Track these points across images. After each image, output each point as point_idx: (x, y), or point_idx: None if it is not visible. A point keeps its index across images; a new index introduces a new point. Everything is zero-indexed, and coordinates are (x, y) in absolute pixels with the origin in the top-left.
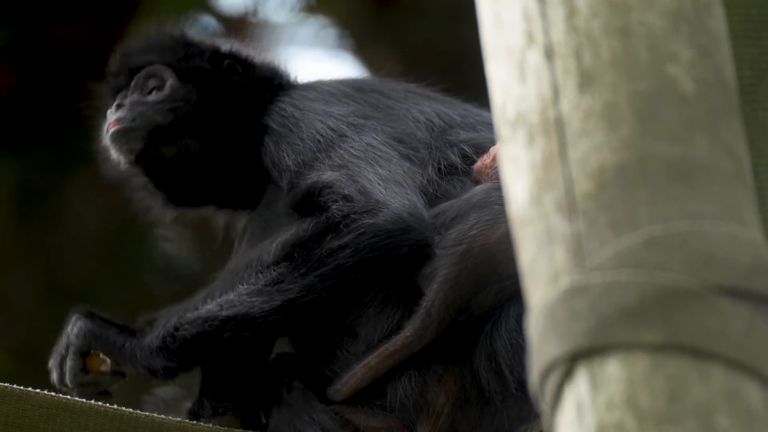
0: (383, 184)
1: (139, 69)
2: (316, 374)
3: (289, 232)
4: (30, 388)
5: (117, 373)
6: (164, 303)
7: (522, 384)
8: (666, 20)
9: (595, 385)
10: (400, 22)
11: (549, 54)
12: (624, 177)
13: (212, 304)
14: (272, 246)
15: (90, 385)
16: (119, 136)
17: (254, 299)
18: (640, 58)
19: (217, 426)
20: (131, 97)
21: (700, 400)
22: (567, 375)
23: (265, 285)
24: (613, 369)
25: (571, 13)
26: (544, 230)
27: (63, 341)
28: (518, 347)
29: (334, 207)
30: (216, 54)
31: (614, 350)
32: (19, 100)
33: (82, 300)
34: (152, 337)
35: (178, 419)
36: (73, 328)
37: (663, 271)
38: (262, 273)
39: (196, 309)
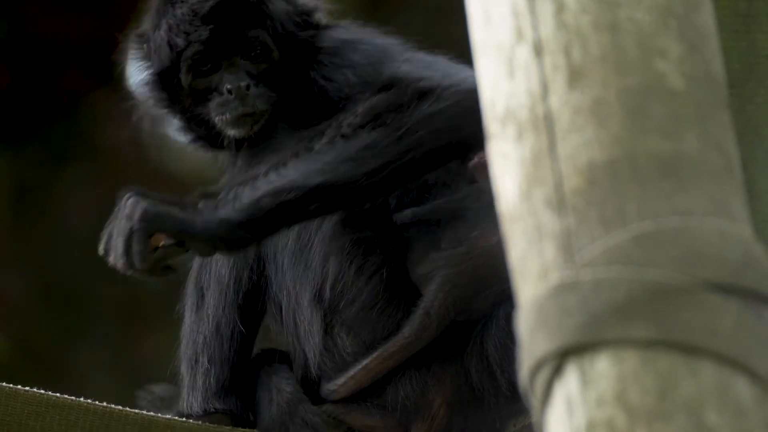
0: (457, 69)
1: (240, 31)
2: (308, 375)
3: (373, 99)
4: (19, 386)
5: (179, 245)
6: (157, 299)
7: (513, 384)
8: (654, 16)
9: (585, 381)
10: (391, 19)
11: (538, 50)
12: (613, 173)
13: (291, 174)
14: (351, 116)
15: (159, 261)
16: (247, 120)
17: (344, 165)
18: (629, 53)
19: (207, 424)
20: (243, 68)
21: (690, 395)
22: (557, 371)
23: (358, 150)
24: (603, 365)
25: (559, 9)
26: (534, 226)
27: (124, 225)
28: (509, 348)
29: (421, 82)
30: (295, 12)
31: (604, 346)
32: (11, 96)
33: (75, 295)
34: (229, 211)
35: (168, 417)
36: (134, 211)
37: (653, 268)
38: (348, 140)
39: (271, 183)
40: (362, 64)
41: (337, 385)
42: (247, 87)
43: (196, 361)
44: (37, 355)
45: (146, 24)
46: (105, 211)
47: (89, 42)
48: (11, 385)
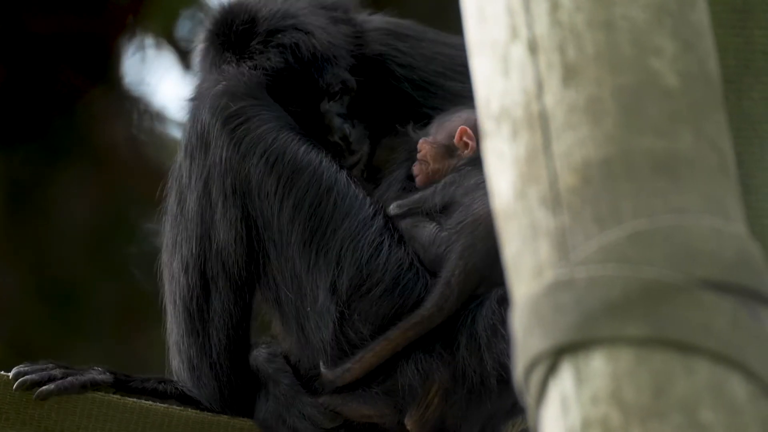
0: None
1: (315, 83)
2: (307, 366)
3: None
4: None
5: None
6: (153, 298)
7: (502, 366)
8: (649, 14)
9: (579, 379)
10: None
11: (533, 48)
12: (608, 171)
13: None
14: None
15: None
16: (354, 160)
17: None
18: (624, 52)
19: (205, 413)
20: (333, 111)
21: (685, 394)
22: (552, 369)
23: None
24: (598, 363)
25: (554, 7)
26: (529, 224)
27: None
28: (498, 330)
29: None
30: (342, 34)
31: (599, 344)
32: (6, 94)
33: (71, 294)
34: None
35: (165, 405)
36: None
37: (647, 266)
38: None
39: None
40: (418, 51)
41: (353, 362)
42: (349, 134)
43: (210, 355)
44: (32, 354)
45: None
46: (100, 209)
47: (86, 41)
48: (7, 373)
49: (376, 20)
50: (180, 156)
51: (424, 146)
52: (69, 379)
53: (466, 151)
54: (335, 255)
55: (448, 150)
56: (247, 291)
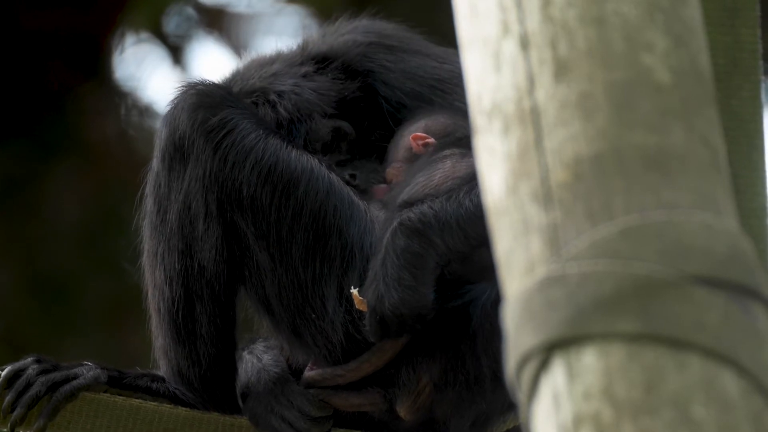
0: None
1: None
2: (300, 361)
3: None
4: None
5: None
6: (144, 293)
7: (496, 366)
8: (641, 10)
9: (571, 375)
10: (378, 10)
11: (524, 44)
12: (600, 167)
13: None
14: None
15: None
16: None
17: None
18: (616, 47)
19: (195, 411)
20: (334, 160)
21: (677, 389)
22: (543, 365)
23: None
24: (590, 359)
25: (546, 2)
26: (520, 220)
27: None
28: (495, 329)
29: None
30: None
31: (591, 340)
32: None
33: (63, 290)
34: None
35: (156, 403)
36: None
37: (639, 261)
38: None
39: None
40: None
41: (346, 369)
42: (353, 179)
43: (200, 366)
44: (24, 350)
45: None
46: (91, 205)
47: (76, 36)
48: None
49: (361, 28)
50: (157, 162)
51: (392, 172)
52: (53, 400)
53: (430, 149)
54: (343, 260)
55: (414, 161)
56: (233, 302)
